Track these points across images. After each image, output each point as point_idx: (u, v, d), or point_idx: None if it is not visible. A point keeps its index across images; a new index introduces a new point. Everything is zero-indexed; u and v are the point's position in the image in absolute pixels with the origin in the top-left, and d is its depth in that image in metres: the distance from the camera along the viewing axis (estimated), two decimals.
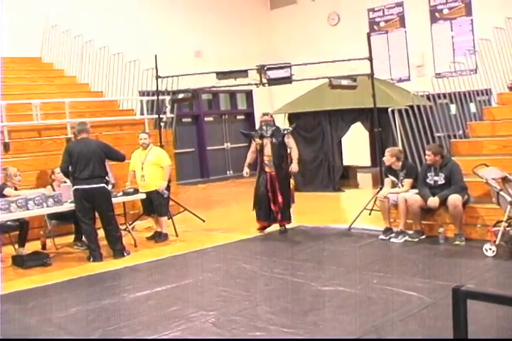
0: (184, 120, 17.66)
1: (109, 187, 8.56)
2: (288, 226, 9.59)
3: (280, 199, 9.19)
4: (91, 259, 8.18)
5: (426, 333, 4.72)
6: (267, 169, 9.29)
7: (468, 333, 2.58)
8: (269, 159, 9.23)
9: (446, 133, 11.03)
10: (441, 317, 4.92)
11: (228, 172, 18.44)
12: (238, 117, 19.35)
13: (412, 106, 10.52)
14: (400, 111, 10.23)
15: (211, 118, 18.80)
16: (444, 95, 11.42)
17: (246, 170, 9.52)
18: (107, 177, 8.51)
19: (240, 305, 5.79)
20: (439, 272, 6.58)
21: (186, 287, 6.64)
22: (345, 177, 14.92)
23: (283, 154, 9.29)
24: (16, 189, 8.67)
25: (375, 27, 16.98)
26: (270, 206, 9.27)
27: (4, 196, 8.18)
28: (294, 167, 9.23)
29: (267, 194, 9.25)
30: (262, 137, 9.30)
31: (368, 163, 16.73)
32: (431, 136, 10.72)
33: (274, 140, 9.20)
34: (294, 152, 9.32)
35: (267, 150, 9.24)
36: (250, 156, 9.59)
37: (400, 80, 16.36)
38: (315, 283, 6.39)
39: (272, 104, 17.81)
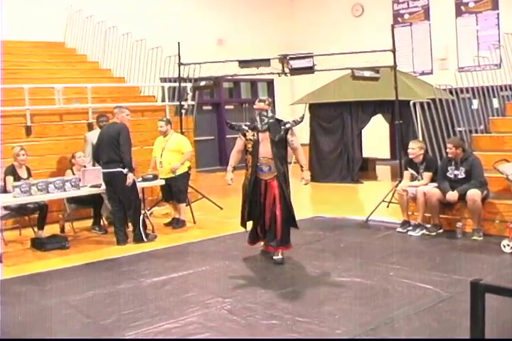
0: (205, 108, 17.69)
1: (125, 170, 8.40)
2: (305, 216, 9.51)
3: (279, 215, 6.84)
4: (117, 243, 8.29)
5: (441, 327, 4.72)
6: (263, 176, 6.88)
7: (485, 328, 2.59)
8: (266, 162, 6.81)
9: (468, 128, 10.96)
10: (457, 312, 4.92)
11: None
12: None
13: (434, 100, 10.45)
14: (421, 104, 10.17)
15: (232, 107, 18.81)
16: (467, 89, 11.33)
17: (230, 176, 7.09)
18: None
19: (256, 293, 5.81)
20: (455, 266, 6.55)
21: (203, 274, 6.68)
22: (364, 169, 14.88)
23: (284, 155, 6.96)
24: (28, 169, 8.81)
25: (399, 19, 16.85)
26: (263, 224, 7.00)
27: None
28: (306, 176, 7.01)
29: (263, 211, 6.92)
30: (255, 131, 6.90)
31: (388, 156, 16.66)
32: (452, 130, 10.66)
33: (273, 136, 6.76)
34: (301, 155, 7.06)
35: (264, 150, 6.80)
36: (235, 157, 7.21)
37: (423, 73, 16.24)
38: (331, 273, 6.42)
39: (292, 94, 17.78)
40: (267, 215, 6.89)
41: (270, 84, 19.30)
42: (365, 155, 15.01)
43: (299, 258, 7.14)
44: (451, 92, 11.36)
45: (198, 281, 6.37)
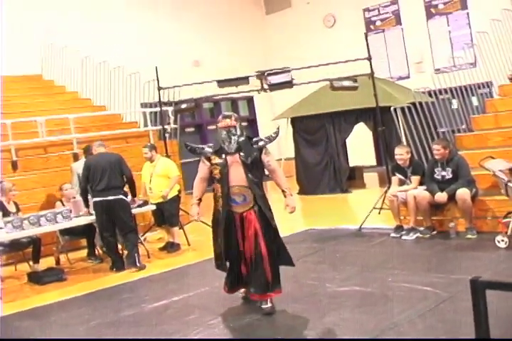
0: (187, 130, 17.72)
1: (129, 198, 8.54)
2: (298, 229, 9.56)
3: (265, 255, 5.58)
4: (114, 269, 8.31)
5: (446, 327, 4.74)
6: (236, 208, 5.66)
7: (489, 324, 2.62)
8: (239, 191, 5.60)
9: (450, 129, 11.07)
10: (459, 311, 4.93)
11: None
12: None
13: (414, 104, 10.54)
14: (402, 109, 10.26)
15: (214, 127, 18.75)
16: (445, 90, 11.45)
17: (195, 210, 5.95)
18: (125, 189, 8.50)
19: (258, 309, 5.79)
20: (452, 266, 6.60)
21: (203, 295, 6.66)
22: (352, 178, 14.93)
23: (260, 179, 5.76)
24: (16, 204, 8.78)
25: (372, 26, 17.02)
26: (245, 267, 5.76)
27: None
28: (292, 203, 5.78)
29: (238, 249, 5.71)
30: (221, 154, 5.69)
31: (374, 163, 16.74)
32: (435, 132, 10.74)
33: (245, 157, 5.61)
34: (281, 178, 5.84)
35: (236, 176, 5.59)
36: (200, 187, 5.95)
37: (400, 78, 16.39)
38: (330, 284, 6.42)
39: (273, 109, 17.86)
40: (247, 255, 5.67)
41: (250, 101, 19.40)
42: (351, 164, 15.07)
43: (297, 271, 7.06)
44: (430, 95, 11.47)
45: (199, 303, 6.35)
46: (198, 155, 5.95)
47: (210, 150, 5.77)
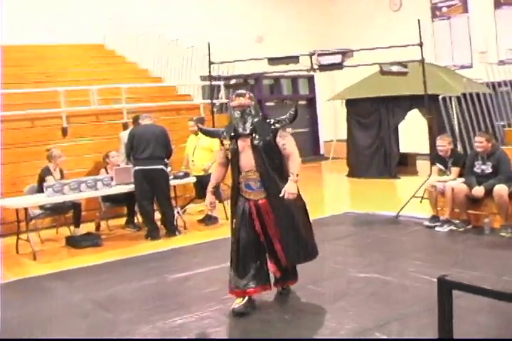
0: None
1: (168, 169, 8.78)
2: (338, 212, 9.60)
3: (279, 247, 5.27)
4: (149, 238, 8.59)
5: None
6: (248, 195, 5.28)
7: (453, 324, 2.63)
8: (254, 176, 5.20)
9: (509, 122, 10.84)
10: (469, 308, 4.83)
11: None
12: (300, 102, 19.28)
13: (470, 93, 10.32)
14: (452, 98, 10.07)
15: (273, 104, 18.85)
16: (505, 83, 11.18)
17: (209, 200, 5.55)
18: (166, 160, 8.72)
19: (275, 288, 5.88)
20: (478, 263, 6.49)
21: (228, 269, 6.77)
22: (403, 164, 14.74)
23: (279, 165, 5.27)
24: (61, 171, 9.01)
25: (437, 12, 16.59)
26: (265, 260, 5.40)
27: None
28: (289, 187, 5.07)
29: (257, 240, 5.28)
30: (235, 137, 5.27)
31: (428, 150, 16.49)
32: (489, 125, 10.52)
33: (256, 141, 5.16)
34: (293, 162, 5.18)
35: (247, 160, 5.19)
36: (218, 172, 5.60)
37: (462, 67, 15.98)
38: (353, 269, 6.46)
39: (333, 89, 17.71)
40: (277, 246, 5.30)
41: (311, 79, 19.29)
42: (405, 150, 14.85)
43: (324, 254, 7.04)
44: (493, 86, 11.21)
45: (221, 276, 6.38)
46: (215, 137, 5.80)
47: (224, 134, 5.35)
